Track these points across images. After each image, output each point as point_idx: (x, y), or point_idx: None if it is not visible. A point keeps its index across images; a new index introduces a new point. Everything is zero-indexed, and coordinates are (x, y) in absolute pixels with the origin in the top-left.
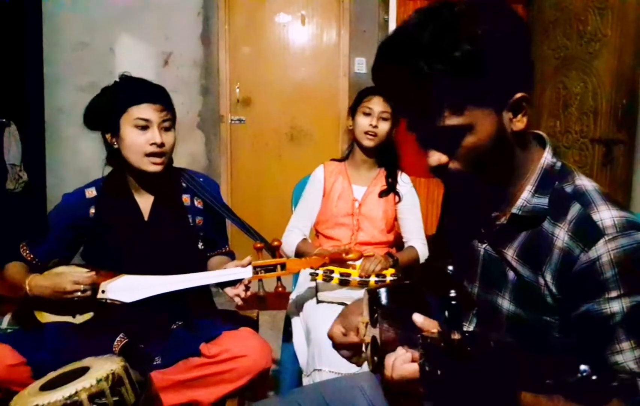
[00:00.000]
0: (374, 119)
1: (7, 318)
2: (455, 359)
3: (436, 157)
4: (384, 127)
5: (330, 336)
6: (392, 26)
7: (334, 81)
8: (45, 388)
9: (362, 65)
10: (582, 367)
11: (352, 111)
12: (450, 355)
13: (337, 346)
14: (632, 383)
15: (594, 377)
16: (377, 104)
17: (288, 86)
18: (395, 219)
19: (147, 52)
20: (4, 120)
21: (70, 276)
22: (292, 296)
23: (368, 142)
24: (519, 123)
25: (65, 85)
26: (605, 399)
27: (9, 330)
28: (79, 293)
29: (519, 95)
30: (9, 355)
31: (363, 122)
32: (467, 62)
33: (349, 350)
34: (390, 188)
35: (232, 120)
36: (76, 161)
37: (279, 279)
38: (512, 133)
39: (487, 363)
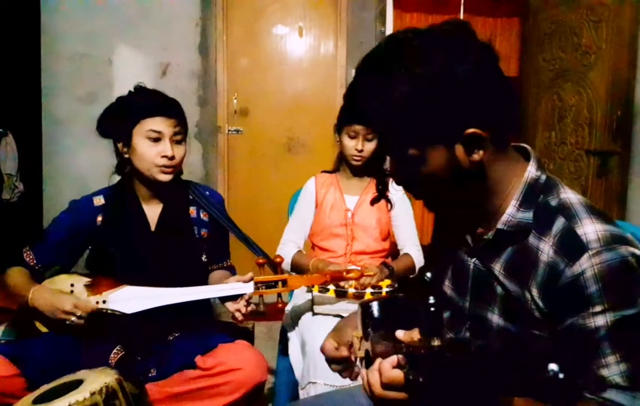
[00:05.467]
0: (360, 143)
1: (1, 328)
2: (436, 365)
3: (398, 178)
4: (369, 147)
5: (323, 351)
6: None
7: (331, 92)
8: (38, 401)
9: None
10: (550, 366)
11: (338, 128)
12: (431, 361)
13: (329, 360)
14: (600, 381)
15: (561, 376)
16: (361, 126)
17: (285, 97)
18: (390, 226)
19: (145, 62)
20: (1, 130)
21: (74, 299)
22: (288, 308)
23: (356, 163)
24: (476, 155)
25: (63, 95)
26: (573, 399)
27: (3, 341)
28: (73, 318)
29: (470, 131)
30: (3, 366)
31: (349, 144)
32: (406, 103)
33: (340, 364)
34: (381, 195)
35: (229, 130)
36: (73, 171)
37: (279, 295)
38: (472, 165)
39: (468, 368)
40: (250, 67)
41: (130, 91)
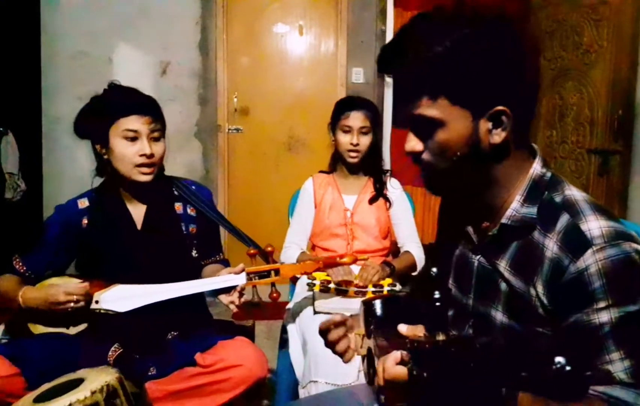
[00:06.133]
0: (354, 137)
1: (0, 328)
2: (441, 360)
3: (412, 144)
4: (365, 141)
5: (320, 327)
6: (389, 37)
7: (331, 90)
8: (39, 400)
9: (359, 76)
10: (557, 359)
11: (332, 127)
12: (436, 356)
13: (324, 332)
14: (607, 376)
15: (567, 368)
16: (355, 120)
17: (286, 96)
18: (390, 225)
19: (145, 61)
20: (2, 129)
21: (64, 287)
22: (289, 306)
23: (352, 160)
24: (497, 136)
25: (63, 94)
26: (580, 391)
27: (3, 341)
28: (72, 304)
29: (499, 108)
30: (3, 366)
31: (344, 140)
32: (446, 58)
33: (337, 333)
34: (379, 194)
35: (229, 129)
36: (74, 170)
37: (273, 285)
38: (491, 146)
39: (472, 362)
40: (250, 66)
41: (105, 89)
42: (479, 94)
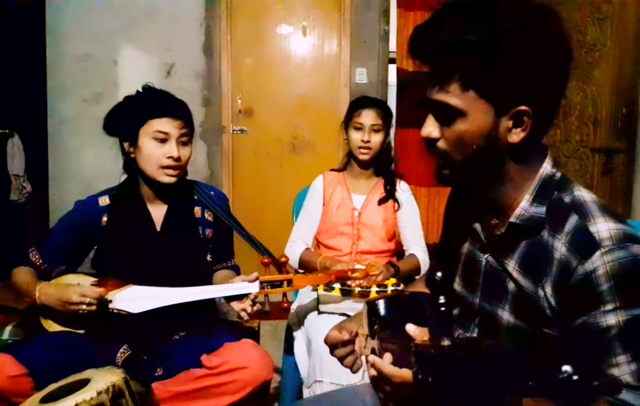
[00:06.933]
0: (366, 134)
1: (8, 328)
2: (446, 365)
3: (428, 130)
4: (376, 139)
5: (326, 339)
6: (393, 37)
7: (335, 91)
8: (45, 400)
9: (363, 76)
10: (565, 368)
11: (345, 125)
12: (441, 361)
13: (332, 346)
14: (615, 383)
15: (575, 377)
16: (367, 117)
17: (289, 97)
18: (396, 227)
19: (149, 63)
20: (8, 131)
21: (79, 288)
22: (293, 307)
23: (363, 157)
24: (515, 136)
25: (68, 96)
26: (588, 399)
27: (10, 341)
28: (84, 306)
29: (522, 108)
30: (11, 365)
31: (355, 137)
32: (484, 49)
33: (343, 348)
34: (389, 195)
35: (234, 130)
36: (79, 171)
37: (284, 294)
38: (508, 144)
39: (478, 368)
40: (254, 67)
41: (138, 91)
42: (507, 92)
